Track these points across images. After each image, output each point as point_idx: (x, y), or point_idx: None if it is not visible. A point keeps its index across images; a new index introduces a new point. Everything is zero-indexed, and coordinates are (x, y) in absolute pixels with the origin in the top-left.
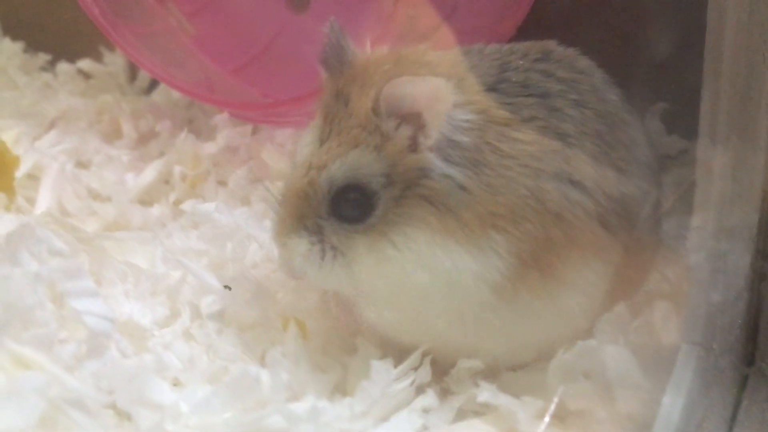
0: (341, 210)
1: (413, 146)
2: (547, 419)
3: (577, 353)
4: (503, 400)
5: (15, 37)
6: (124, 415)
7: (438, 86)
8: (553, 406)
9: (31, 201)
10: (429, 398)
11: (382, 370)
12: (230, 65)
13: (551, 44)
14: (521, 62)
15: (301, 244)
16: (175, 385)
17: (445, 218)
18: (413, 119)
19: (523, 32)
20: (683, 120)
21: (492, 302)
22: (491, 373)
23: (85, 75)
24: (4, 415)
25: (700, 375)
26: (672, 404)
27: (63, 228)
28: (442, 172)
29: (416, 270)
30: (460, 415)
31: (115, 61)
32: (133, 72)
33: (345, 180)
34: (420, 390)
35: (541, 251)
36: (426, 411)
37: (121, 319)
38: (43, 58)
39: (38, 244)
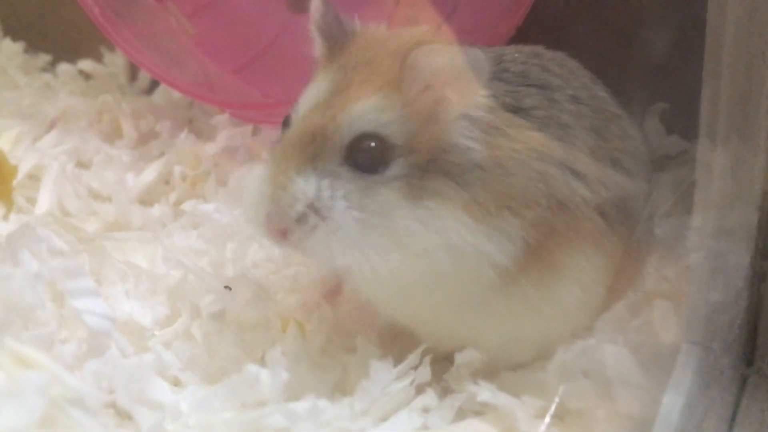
0: (358, 157)
1: (436, 116)
2: (547, 419)
3: (577, 352)
4: (503, 399)
5: (15, 38)
6: (124, 415)
7: (476, 57)
8: (553, 407)
9: (32, 201)
10: (429, 398)
11: (381, 369)
12: (230, 65)
13: (539, 48)
14: (517, 55)
15: (309, 188)
16: (175, 384)
17: (464, 195)
18: (440, 88)
19: (522, 32)
20: (683, 120)
21: (496, 286)
22: (491, 373)
23: (86, 75)
24: (5, 414)
25: (700, 374)
26: (672, 404)
27: (64, 228)
28: (465, 146)
29: (436, 247)
30: (460, 414)
31: (115, 62)
32: (133, 72)
33: (367, 124)
34: (420, 389)
35: (544, 238)
36: (426, 410)
37: (121, 319)
38: (43, 58)
39: (39, 244)
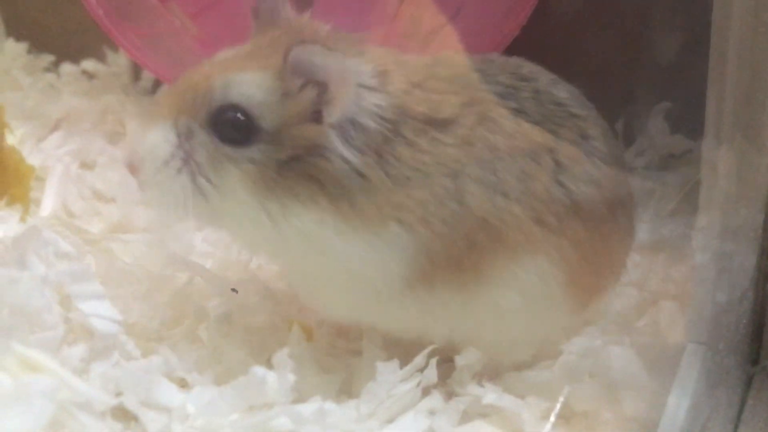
0: (220, 126)
1: (314, 116)
2: (552, 418)
3: (582, 353)
4: (508, 401)
5: (19, 38)
6: (131, 417)
7: (348, 65)
8: (558, 406)
9: (36, 202)
10: (435, 399)
11: (387, 371)
12: None
13: (493, 54)
14: (455, 57)
15: (159, 135)
16: (182, 386)
17: (337, 201)
18: (319, 88)
19: (527, 32)
20: (688, 119)
21: (405, 293)
22: (496, 374)
23: (89, 75)
24: (13, 419)
25: (705, 375)
26: (677, 405)
27: (70, 230)
28: (340, 153)
29: (295, 244)
30: (466, 416)
31: (118, 62)
32: (136, 72)
33: (239, 96)
34: (426, 391)
35: (462, 253)
36: (432, 412)
37: (127, 321)
38: (46, 58)
39: (45, 247)
